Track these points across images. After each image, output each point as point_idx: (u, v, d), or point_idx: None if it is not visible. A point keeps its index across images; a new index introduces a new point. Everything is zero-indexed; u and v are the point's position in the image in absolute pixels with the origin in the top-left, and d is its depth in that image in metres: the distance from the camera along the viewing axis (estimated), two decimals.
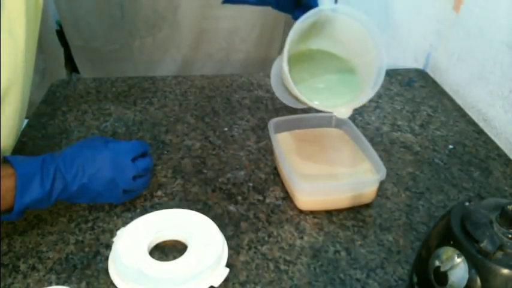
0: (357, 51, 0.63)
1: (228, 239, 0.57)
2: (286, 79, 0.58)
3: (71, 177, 0.54)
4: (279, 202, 0.63)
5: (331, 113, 0.61)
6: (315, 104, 0.60)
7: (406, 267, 0.54)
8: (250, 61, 1.31)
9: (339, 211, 0.61)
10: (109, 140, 0.61)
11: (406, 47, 1.03)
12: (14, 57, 0.56)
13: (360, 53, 0.62)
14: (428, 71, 0.97)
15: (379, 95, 0.87)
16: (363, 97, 0.60)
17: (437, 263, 0.40)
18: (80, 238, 0.57)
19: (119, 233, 0.56)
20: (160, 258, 0.55)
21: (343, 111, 0.60)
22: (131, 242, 0.55)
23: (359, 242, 0.57)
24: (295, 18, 0.63)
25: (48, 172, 0.53)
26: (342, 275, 0.53)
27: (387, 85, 0.91)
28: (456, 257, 0.38)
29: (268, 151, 0.72)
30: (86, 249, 0.56)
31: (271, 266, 0.54)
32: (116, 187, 0.57)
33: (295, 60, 0.60)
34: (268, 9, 1.24)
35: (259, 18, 1.25)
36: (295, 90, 0.58)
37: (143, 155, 0.61)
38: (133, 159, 0.59)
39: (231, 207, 0.62)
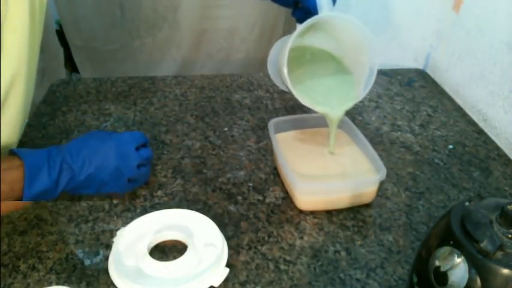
0: (351, 51, 0.65)
1: (228, 239, 0.57)
2: (286, 81, 0.60)
3: (78, 167, 0.55)
4: (279, 202, 0.63)
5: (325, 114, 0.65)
6: (314, 107, 0.63)
7: (406, 267, 0.54)
8: (250, 61, 1.31)
9: (339, 211, 0.61)
10: (111, 132, 0.62)
11: (406, 47, 1.03)
12: (17, 53, 0.56)
13: (354, 53, 0.64)
14: (428, 71, 0.97)
15: (379, 95, 0.87)
16: (355, 98, 0.64)
17: (437, 263, 0.40)
18: (80, 238, 0.57)
19: (118, 233, 0.56)
20: (160, 258, 0.55)
21: (336, 113, 0.64)
22: (131, 242, 0.55)
23: (359, 242, 0.57)
24: (294, 16, 0.66)
25: (54, 163, 0.54)
26: (342, 275, 0.53)
27: (387, 85, 0.91)
28: (456, 257, 0.38)
29: (268, 151, 0.72)
30: (86, 249, 0.56)
31: (271, 266, 0.54)
32: (121, 176, 0.58)
33: (292, 57, 0.61)
34: (268, 9, 1.24)
35: (259, 18, 1.25)
36: (295, 93, 0.60)
37: (144, 145, 0.61)
38: (137, 149, 0.59)
39: (231, 207, 0.62)
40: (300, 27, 0.57)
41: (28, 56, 0.58)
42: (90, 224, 0.59)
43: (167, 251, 0.56)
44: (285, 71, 0.58)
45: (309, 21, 0.57)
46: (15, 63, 0.56)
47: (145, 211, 0.61)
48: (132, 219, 0.59)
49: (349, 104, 0.63)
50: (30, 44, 0.57)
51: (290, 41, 0.57)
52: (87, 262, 0.54)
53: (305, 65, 0.66)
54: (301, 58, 0.66)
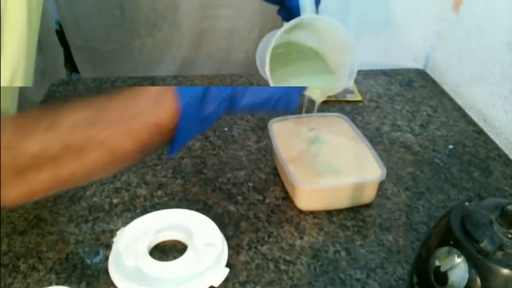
0: (334, 51, 0.64)
1: (228, 239, 0.57)
2: (268, 78, 0.60)
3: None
4: (279, 202, 0.63)
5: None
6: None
7: (406, 267, 0.54)
8: (250, 61, 1.30)
9: (339, 211, 0.61)
10: None
11: (406, 47, 1.03)
12: (17, 49, 0.56)
13: (337, 53, 0.64)
14: (428, 71, 0.97)
15: (379, 95, 0.87)
16: (335, 89, 0.65)
17: (437, 263, 0.40)
18: (80, 238, 0.57)
19: (118, 233, 0.56)
20: (160, 258, 0.55)
21: (316, 92, 0.62)
22: (131, 242, 0.55)
23: (359, 242, 0.57)
24: (279, 14, 0.66)
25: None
26: (342, 275, 0.53)
27: (387, 85, 0.91)
28: (456, 257, 0.38)
29: (268, 151, 0.72)
30: (86, 249, 0.56)
31: (271, 266, 0.54)
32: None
33: (278, 54, 0.61)
34: (268, 9, 1.23)
35: (259, 18, 1.24)
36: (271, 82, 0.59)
37: None
38: None
39: (231, 207, 0.62)
40: (283, 27, 0.57)
41: (26, 53, 0.58)
42: (90, 224, 0.59)
43: (167, 251, 0.56)
44: (267, 69, 0.58)
45: (291, 23, 0.57)
46: (14, 60, 0.56)
47: (145, 211, 0.61)
48: (132, 219, 0.59)
49: (329, 90, 0.64)
50: (28, 40, 0.57)
51: (273, 41, 0.57)
52: (87, 262, 0.54)
53: (291, 63, 0.66)
54: (287, 56, 0.66)
